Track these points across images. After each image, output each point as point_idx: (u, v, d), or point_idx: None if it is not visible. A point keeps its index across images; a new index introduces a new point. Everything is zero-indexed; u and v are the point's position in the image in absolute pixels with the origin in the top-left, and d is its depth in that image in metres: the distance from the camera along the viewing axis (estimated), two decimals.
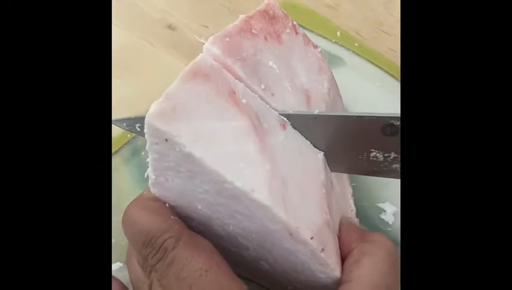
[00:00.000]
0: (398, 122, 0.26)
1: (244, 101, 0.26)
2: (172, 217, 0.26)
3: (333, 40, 0.46)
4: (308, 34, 0.47)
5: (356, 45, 0.46)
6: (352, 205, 0.36)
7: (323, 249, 0.27)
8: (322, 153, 0.30)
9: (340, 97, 0.38)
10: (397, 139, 0.27)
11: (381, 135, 0.27)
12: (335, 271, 0.28)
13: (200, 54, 0.27)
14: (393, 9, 0.50)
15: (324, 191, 0.29)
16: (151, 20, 0.48)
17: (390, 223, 0.38)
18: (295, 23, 0.33)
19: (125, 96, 0.40)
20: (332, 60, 0.45)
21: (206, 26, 0.48)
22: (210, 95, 0.25)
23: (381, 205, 0.38)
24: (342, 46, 0.46)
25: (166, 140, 0.24)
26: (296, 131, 0.29)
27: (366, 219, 0.38)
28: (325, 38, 0.47)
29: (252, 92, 0.28)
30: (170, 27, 0.48)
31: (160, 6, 0.48)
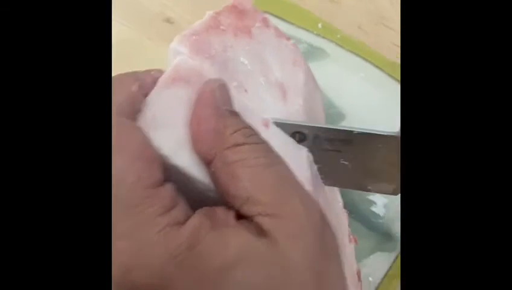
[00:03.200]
0: (307, 131, 0.28)
1: None
2: None
3: (315, 32, 0.45)
4: (289, 27, 0.46)
5: (338, 36, 0.45)
6: (339, 198, 0.35)
7: None
8: (306, 149, 0.29)
9: (319, 88, 0.37)
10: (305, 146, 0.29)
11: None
12: None
13: (179, 57, 0.25)
14: (397, 3, 0.49)
15: (311, 188, 0.28)
16: (150, 13, 0.47)
17: (382, 215, 0.37)
18: (266, 16, 0.32)
19: None
20: (315, 52, 0.45)
21: None
22: (191, 100, 0.24)
23: (371, 198, 0.37)
24: (324, 37, 0.45)
25: None
26: (279, 128, 0.28)
27: (357, 212, 0.37)
28: (306, 30, 0.46)
29: None
30: (169, 21, 0.47)
31: None
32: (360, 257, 0.35)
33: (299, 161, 0.28)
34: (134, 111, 0.23)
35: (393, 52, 0.45)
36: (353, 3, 0.49)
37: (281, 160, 0.23)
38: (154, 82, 0.24)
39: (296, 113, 0.31)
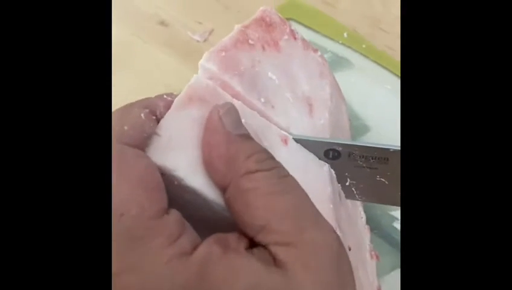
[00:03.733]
0: (341, 148, 0.28)
1: (243, 120, 0.24)
2: None
3: (340, 42, 0.45)
4: (315, 35, 0.46)
5: (364, 46, 0.45)
6: (362, 213, 0.35)
7: None
8: (328, 165, 0.29)
9: (344, 100, 0.36)
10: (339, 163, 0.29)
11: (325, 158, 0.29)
12: None
13: (195, 76, 0.25)
14: (392, 7, 0.48)
15: (331, 205, 0.27)
16: (144, 15, 0.47)
17: None
18: (293, 28, 0.32)
19: (116, 93, 0.40)
20: (339, 62, 0.44)
21: (200, 23, 0.47)
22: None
23: (393, 213, 0.37)
24: (349, 47, 0.45)
25: (162, 174, 0.22)
26: (299, 145, 0.28)
27: (379, 228, 0.37)
28: (331, 39, 0.45)
29: (251, 108, 0.27)
30: (163, 23, 0.47)
31: (153, 1, 0.48)
32: (381, 273, 0.35)
33: (320, 177, 0.28)
34: (144, 138, 0.22)
35: (390, 55, 0.44)
36: (348, 6, 0.48)
37: (297, 184, 0.22)
38: (167, 105, 0.23)
39: (321, 127, 0.31)
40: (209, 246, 0.19)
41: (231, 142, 0.22)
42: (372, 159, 0.29)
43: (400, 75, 0.43)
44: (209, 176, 0.22)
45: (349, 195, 0.32)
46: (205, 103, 0.24)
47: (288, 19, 0.46)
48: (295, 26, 0.46)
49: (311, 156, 0.28)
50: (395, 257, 0.36)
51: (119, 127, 0.21)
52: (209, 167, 0.22)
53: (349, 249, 0.28)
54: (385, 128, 0.40)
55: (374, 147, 0.29)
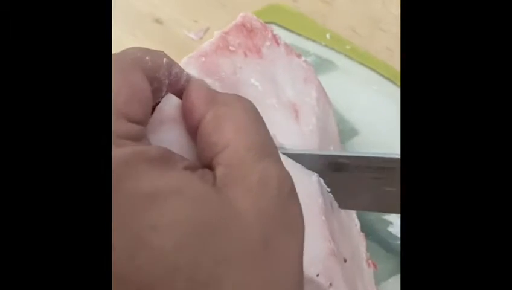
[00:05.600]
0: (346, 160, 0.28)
1: None
2: None
3: (323, 43, 0.44)
4: (296, 38, 0.45)
5: (348, 47, 0.44)
6: (356, 220, 0.34)
7: (331, 284, 0.25)
8: (316, 174, 0.28)
9: (331, 105, 0.35)
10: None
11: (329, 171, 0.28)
12: None
13: (167, 94, 0.22)
14: (391, 6, 0.47)
15: (324, 217, 0.26)
16: (138, 13, 0.46)
17: (399, 235, 0.35)
18: (275, 33, 0.31)
19: None
20: (323, 64, 0.43)
21: (196, 21, 0.46)
22: (183, 140, 0.21)
23: (387, 218, 0.36)
24: (332, 48, 0.44)
25: None
26: (285, 156, 0.27)
27: (374, 233, 0.36)
28: (314, 41, 0.44)
29: None
30: (158, 21, 0.46)
31: None
32: (378, 279, 0.34)
33: (310, 188, 0.27)
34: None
35: (387, 56, 0.43)
36: (347, 5, 0.47)
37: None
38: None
39: (309, 133, 0.30)
40: (152, 147, 0.18)
41: (210, 89, 0.22)
42: (379, 169, 0.28)
43: (385, 75, 0.42)
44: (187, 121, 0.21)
45: (354, 206, 0.31)
46: (177, 122, 0.21)
47: (269, 23, 0.45)
48: (276, 29, 0.45)
49: (298, 166, 0.27)
50: (392, 263, 0.35)
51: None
52: (191, 107, 0.21)
53: (345, 261, 0.27)
54: (374, 131, 0.39)
55: (379, 158, 0.28)
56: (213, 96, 0.21)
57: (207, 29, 0.46)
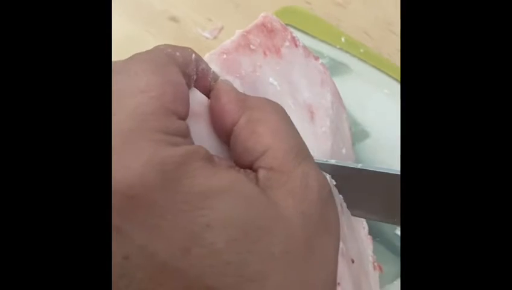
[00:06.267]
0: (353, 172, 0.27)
1: None
2: None
3: (338, 46, 0.44)
4: (311, 41, 0.45)
5: (361, 51, 0.44)
6: (364, 223, 0.34)
7: (339, 284, 0.25)
8: (329, 175, 0.28)
9: (344, 108, 0.36)
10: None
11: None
12: None
13: (192, 89, 0.22)
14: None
15: None
16: (154, 11, 0.46)
17: None
18: (294, 35, 0.32)
19: None
20: (337, 67, 0.44)
21: (210, 20, 0.46)
22: (209, 136, 0.22)
23: None
24: (347, 52, 0.44)
25: None
26: None
27: (381, 235, 0.36)
28: (329, 44, 0.45)
29: None
30: (173, 19, 0.46)
31: None
32: (383, 282, 0.34)
33: None
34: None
35: (397, 58, 0.44)
36: (360, 8, 0.48)
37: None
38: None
39: (323, 135, 0.30)
40: (198, 146, 0.19)
41: (239, 92, 0.22)
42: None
43: (397, 78, 0.43)
44: (219, 124, 0.21)
45: (361, 214, 0.32)
46: (199, 116, 0.22)
47: (286, 25, 0.46)
48: (293, 31, 0.45)
49: None
50: (398, 266, 0.35)
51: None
52: (221, 112, 0.21)
53: (353, 262, 0.28)
54: (384, 133, 0.40)
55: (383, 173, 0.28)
56: (243, 100, 0.21)
57: (221, 29, 0.46)
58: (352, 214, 0.30)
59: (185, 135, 0.19)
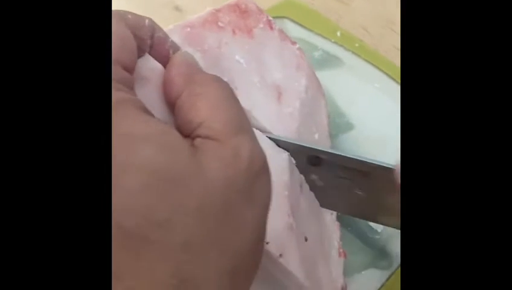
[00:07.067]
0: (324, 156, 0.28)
1: None
2: None
3: (332, 40, 0.45)
4: (307, 34, 0.46)
5: (356, 45, 0.44)
6: None
7: (281, 255, 0.25)
8: (287, 153, 0.28)
9: (323, 96, 0.36)
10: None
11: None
12: (298, 278, 0.26)
13: (145, 55, 0.23)
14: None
15: (287, 193, 0.27)
16: (159, 0, 0.47)
17: (379, 231, 0.35)
18: (270, 18, 0.32)
19: None
20: (330, 60, 0.44)
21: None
22: (155, 102, 0.22)
23: None
24: (341, 46, 0.44)
25: None
26: (259, 131, 0.28)
27: (354, 225, 0.36)
28: (324, 37, 0.45)
29: None
30: (177, 8, 0.47)
31: None
32: (351, 271, 0.34)
33: (277, 163, 0.28)
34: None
35: (395, 55, 0.43)
36: (363, 5, 0.48)
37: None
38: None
39: (289, 115, 0.31)
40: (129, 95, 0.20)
41: (192, 66, 0.23)
42: (353, 171, 0.29)
43: (389, 73, 0.42)
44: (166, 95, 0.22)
45: (324, 204, 0.32)
46: (150, 82, 0.22)
47: (282, 17, 0.47)
48: (289, 24, 0.46)
49: (270, 142, 0.28)
50: (367, 256, 0.35)
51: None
52: (169, 82, 0.22)
53: (306, 240, 0.28)
54: (369, 127, 0.39)
55: (356, 160, 0.28)
56: (191, 74, 0.22)
57: None
58: (337, 211, 0.31)
59: (129, 86, 0.20)
